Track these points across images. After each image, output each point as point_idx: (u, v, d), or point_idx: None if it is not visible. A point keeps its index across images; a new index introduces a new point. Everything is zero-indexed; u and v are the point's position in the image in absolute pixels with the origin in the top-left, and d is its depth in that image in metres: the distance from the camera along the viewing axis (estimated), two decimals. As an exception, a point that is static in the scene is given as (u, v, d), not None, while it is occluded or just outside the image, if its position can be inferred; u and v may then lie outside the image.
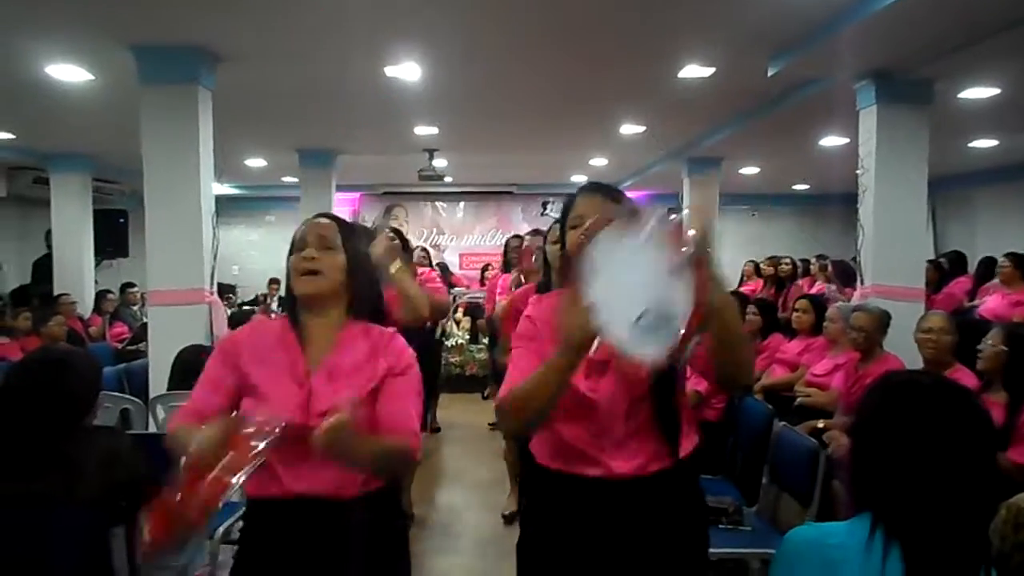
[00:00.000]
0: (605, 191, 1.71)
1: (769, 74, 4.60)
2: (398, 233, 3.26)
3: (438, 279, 3.92)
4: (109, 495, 1.85)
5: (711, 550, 2.56)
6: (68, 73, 4.72)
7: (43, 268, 8.08)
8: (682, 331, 1.32)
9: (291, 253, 1.66)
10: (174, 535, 1.32)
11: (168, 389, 3.55)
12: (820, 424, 3.59)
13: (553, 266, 2.62)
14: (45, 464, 1.83)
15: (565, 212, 1.73)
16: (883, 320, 3.76)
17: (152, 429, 3.53)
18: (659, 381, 1.56)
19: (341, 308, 1.66)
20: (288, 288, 1.68)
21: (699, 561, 1.73)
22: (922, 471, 1.27)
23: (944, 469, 1.27)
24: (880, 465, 1.32)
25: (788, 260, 8.26)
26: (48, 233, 8.11)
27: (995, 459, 1.34)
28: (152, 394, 3.96)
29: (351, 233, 1.70)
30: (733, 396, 3.59)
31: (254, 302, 10.20)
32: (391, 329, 1.71)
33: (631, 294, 1.32)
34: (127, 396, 3.75)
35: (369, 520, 1.61)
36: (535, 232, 4.05)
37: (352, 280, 1.65)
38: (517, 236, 4.32)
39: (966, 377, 3.21)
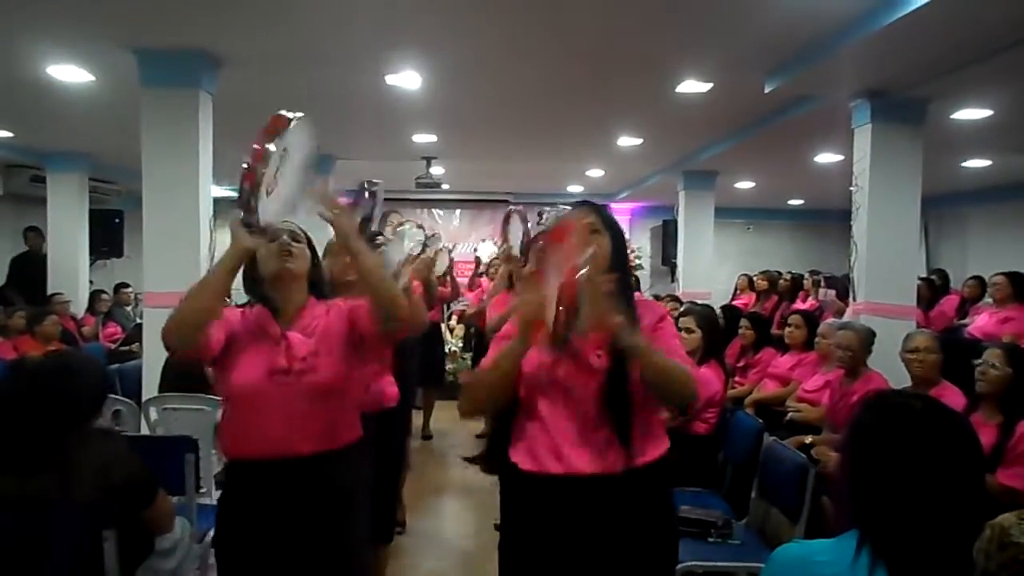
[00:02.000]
0: (593, 207, 1.86)
1: (766, 91, 4.65)
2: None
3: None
4: (104, 497, 1.86)
5: (699, 563, 2.63)
6: (69, 74, 4.73)
7: (20, 266, 7.77)
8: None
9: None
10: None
11: (160, 391, 3.56)
12: (808, 440, 3.61)
13: None
14: (42, 465, 1.83)
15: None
16: (868, 339, 3.79)
17: (144, 431, 3.53)
18: (610, 391, 1.68)
19: (303, 288, 2.01)
20: (253, 275, 1.99)
21: (664, 571, 1.77)
22: (909, 492, 1.29)
23: (931, 491, 1.28)
24: (867, 485, 1.34)
25: (783, 275, 8.31)
26: (28, 230, 7.82)
27: (983, 482, 1.36)
28: (145, 396, 3.95)
29: (307, 235, 2.07)
30: (724, 410, 3.61)
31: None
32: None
33: None
34: (120, 397, 3.74)
35: (333, 475, 1.89)
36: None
37: (313, 269, 2.04)
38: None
39: (953, 395, 3.23)
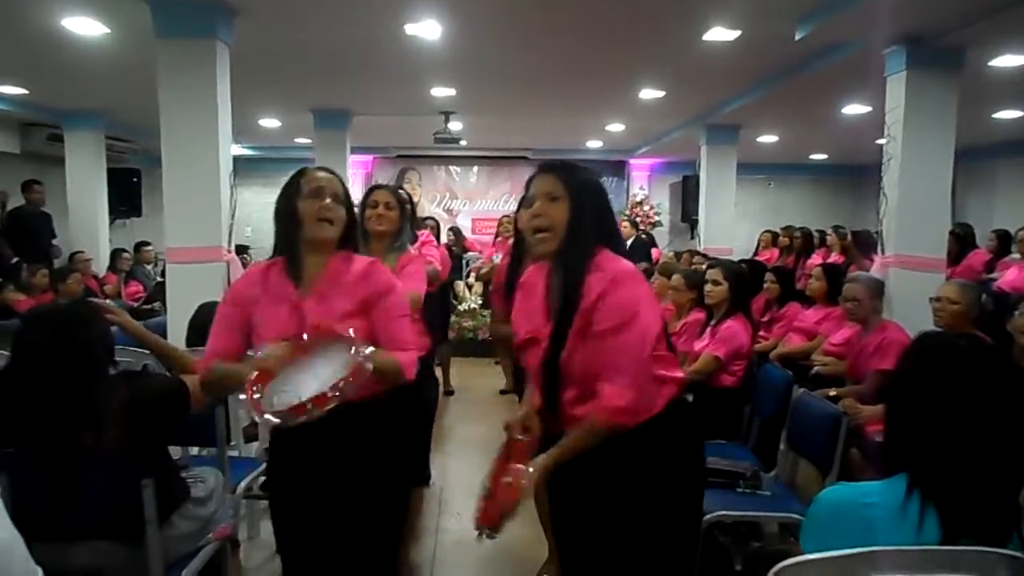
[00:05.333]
0: (557, 171, 1.81)
1: (797, 38, 4.50)
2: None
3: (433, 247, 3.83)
4: (136, 442, 1.87)
5: (729, 512, 2.63)
6: (84, 26, 4.67)
7: (18, 220, 7.38)
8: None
9: (292, 198, 1.90)
10: None
11: (187, 345, 3.57)
12: (832, 392, 3.57)
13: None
14: (74, 416, 1.84)
15: (526, 190, 1.86)
16: (875, 288, 3.73)
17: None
18: (545, 361, 1.79)
19: (332, 246, 1.95)
20: (289, 231, 1.91)
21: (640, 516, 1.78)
22: (959, 433, 1.27)
23: (981, 431, 1.26)
24: (916, 427, 1.32)
25: (804, 230, 8.20)
26: (26, 184, 7.50)
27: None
28: (170, 350, 3.97)
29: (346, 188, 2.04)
30: (751, 363, 3.58)
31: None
32: (371, 258, 2.03)
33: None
34: (148, 352, 3.76)
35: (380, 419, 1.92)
36: None
37: (347, 228, 1.97)
38: None
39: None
